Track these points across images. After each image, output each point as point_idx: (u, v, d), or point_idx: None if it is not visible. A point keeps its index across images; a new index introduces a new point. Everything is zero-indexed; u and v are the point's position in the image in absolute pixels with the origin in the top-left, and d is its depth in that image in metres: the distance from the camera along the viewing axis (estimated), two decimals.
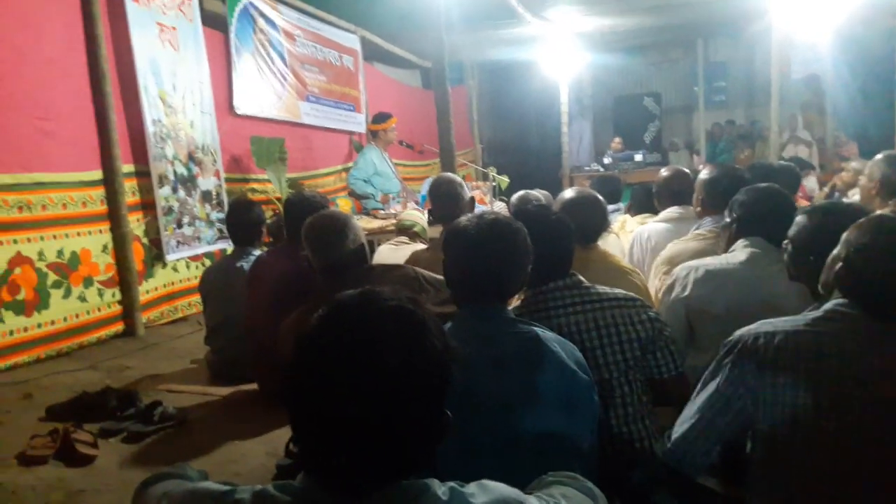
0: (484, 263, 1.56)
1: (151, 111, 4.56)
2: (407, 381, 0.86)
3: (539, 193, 3.66)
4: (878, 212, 2.25)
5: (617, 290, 1.86)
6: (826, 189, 6.41)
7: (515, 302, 1.88)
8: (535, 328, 1.57)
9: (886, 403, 1.32)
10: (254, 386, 3.30)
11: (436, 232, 3.59)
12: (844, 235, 1.49)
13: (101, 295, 4.16)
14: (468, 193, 3.20)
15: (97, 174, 4.19)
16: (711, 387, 1.49)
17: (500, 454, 1.40)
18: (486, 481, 0.96)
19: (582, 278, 1.86)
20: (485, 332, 1.53)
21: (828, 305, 1.45)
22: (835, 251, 1.50)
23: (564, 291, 1.82)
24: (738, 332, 1.49)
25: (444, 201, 3.16)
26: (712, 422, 1.48)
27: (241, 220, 3.68)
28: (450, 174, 3.38)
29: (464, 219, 1.66)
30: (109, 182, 4.23)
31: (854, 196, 4.63)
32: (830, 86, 10.06)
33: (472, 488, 0.94)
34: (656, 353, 1.83)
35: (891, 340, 1.37)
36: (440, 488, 0.90)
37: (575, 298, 1.81)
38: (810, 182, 7.28)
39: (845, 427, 1.32)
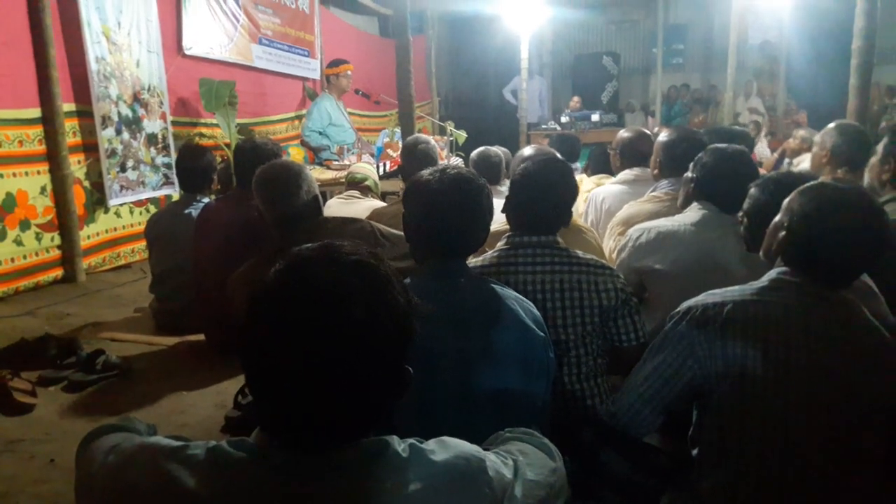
0: (447, 219, 1.53)
1: (94, 48, 4.33)
2: (370, 338, 0.84)
3: (498, 150, 3.62)
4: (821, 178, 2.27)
5: (589, 256, 1.85)
6: (776, 154, 6.60)
7: (490, 254, 1.87)
8: (495, 285, 1.56)
9: (831, 371, 1.33)
10: (200, 336, 3.23)
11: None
12: (786, 202, 1.47)
13: (38, 239, 3.99)
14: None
15: (35, 112, 3.97)
16: (659, 358, 1.48)
17: (457, 410, 1.40)
18: (445, 438, 0.95)
19: (559, 239, 1.85)
20: (445, 289, 1.51)
21: (772, 274, 1.44)
22: (777, 218, 1.49)
23: (537, 249, 1.81)
24: (686, 304, 1.48)
25: (422, 162, 3.09)
26: (659, 392, 1.48)
27: (192, 166, 3.55)
28: (424, 136, 3.32)
29: (426, 173, 1.62)
30: (49, 121, 4.03)
31: (801, 163, 4.75)
32: (785, 53, 10.21)
33: (431, 445, 0.93)
34: (618, 321, 1.84)
35: (833, 307, 1.38)
36: (400, 445, 0.89)
37: (545, 258, 1.80)
38: (762, 147, 7.47)
39: (793, 395, 1.33)
